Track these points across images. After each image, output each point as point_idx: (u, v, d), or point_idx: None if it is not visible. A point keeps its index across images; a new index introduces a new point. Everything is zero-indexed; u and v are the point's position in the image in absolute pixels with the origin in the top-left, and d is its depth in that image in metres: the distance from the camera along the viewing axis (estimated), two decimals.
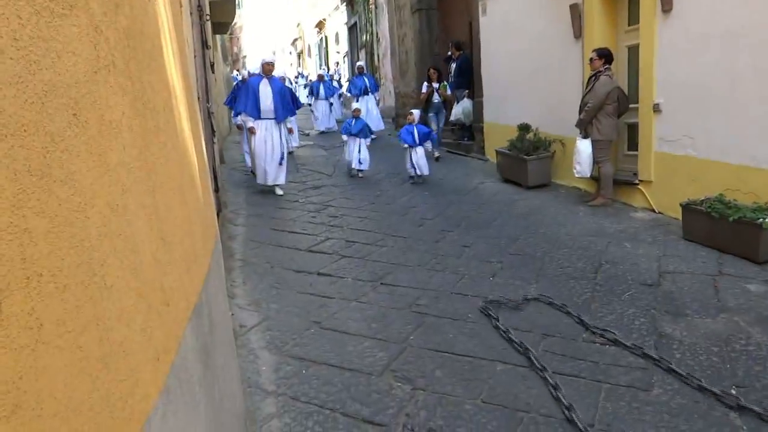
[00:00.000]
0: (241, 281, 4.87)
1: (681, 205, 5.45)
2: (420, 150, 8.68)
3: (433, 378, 3.28)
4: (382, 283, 4.74)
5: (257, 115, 7.71)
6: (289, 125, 8.23)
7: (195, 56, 4.37)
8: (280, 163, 7.93)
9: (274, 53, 23.18)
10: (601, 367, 3.34)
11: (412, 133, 8.71)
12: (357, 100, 12.62)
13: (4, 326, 0.56)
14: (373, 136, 9.72)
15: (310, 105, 16.25)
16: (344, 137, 9.51)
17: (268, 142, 7.76)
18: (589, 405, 2.98)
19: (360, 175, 9.29)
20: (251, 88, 7.77)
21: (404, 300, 4.38)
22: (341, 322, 4.04)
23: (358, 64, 15.15)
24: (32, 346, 0.59)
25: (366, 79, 13.97)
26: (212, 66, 7.84)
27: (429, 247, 5.65)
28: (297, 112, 8.91)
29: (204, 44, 5.98)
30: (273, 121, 7.78)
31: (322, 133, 15.01)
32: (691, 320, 3.88)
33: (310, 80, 26.93)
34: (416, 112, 9.17)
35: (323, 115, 15.46)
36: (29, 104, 0.63)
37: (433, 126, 10.46)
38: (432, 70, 10.73)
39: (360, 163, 9.19)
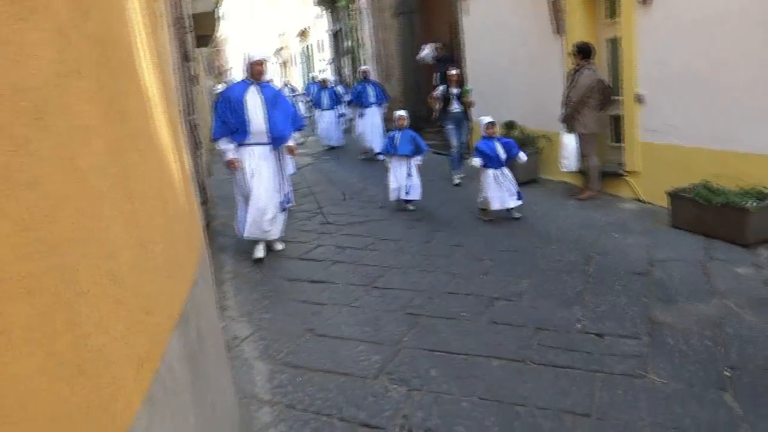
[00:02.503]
0: (232, 293, 4.85)
1: (667, 193, 5.49)
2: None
3: (429, 378, 3.27)
4: (374, 287, 4.73)
5: (243, 138, 5.33)
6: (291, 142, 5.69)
7: (176, 69, 4.36)
8: (283, 209, 5.70)
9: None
10: (596, 357, 3.34)
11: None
12: (361, 115, 11.09)
13: None
14: (424, 153, 7.21)
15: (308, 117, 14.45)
16: (385, 159, 7.28)
17: (261, 177, 5.35)
18: (585, 395, 2.98)
19: (410, 207, 7.09)
20: (233, 99, 5.30)
21: (397, 302, 4.37)
22: (334, 327, 4.03)
23: (362, 68, 12.16)
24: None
25: (370, 88, 11.34)
26: (195, 78, 7.60)
27: (420, 248, 5.65)
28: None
29: (185, 57, 5.96)
30: (268, 147, 5.42)
31: (332, 148, 12.93)
32: (683, 306, 3.90)
33: (299, 92, 26.76)
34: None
35: (330, 127, 13.03)
36: None
37: (453, 141, 8.43)
38: (453, 71, 8.55)
39: (407, 192, 6.96)
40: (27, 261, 0.66)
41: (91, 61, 0.96)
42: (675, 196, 5.40)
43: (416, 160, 6.97)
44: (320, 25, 23.00)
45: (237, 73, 28.82)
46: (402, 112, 7.32)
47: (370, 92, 11.16)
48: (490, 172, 6.21)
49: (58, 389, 0.68)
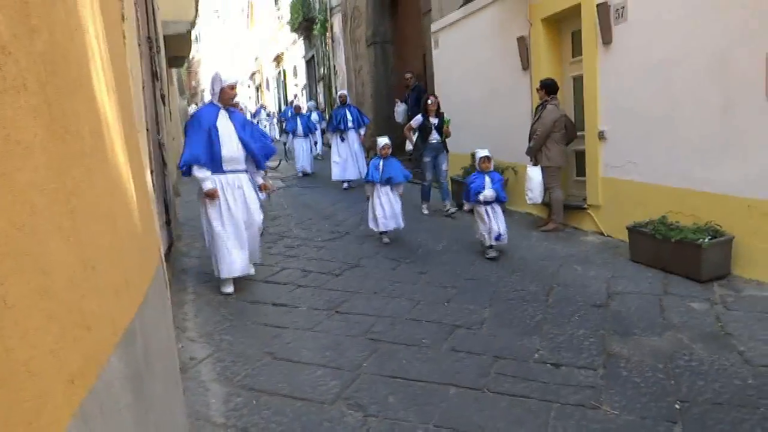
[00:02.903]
0: (192, 314, 4.78)
1: (627, 228, 5.63)
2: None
3: (386, 404, 3.27)
4: (337, 312, 4.72)
5: (217, 168, 4.98)
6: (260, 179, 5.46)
7: (144, 87, 4.36)
8: (261, 234, 5.59)
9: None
10: (552, 387, 3.38)
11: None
12: (341, 138, 10.75)
13: None
14: (403, 180, 6.92)
15: (285, 144, 14.33)
16: (368, 188, 6.96)
17: (235, 207, 5.05)
18: (539, 425, 3.00)
19: (385, 239, 6.87)
20: (204, 125, 4.94)
21: (359, 327, 4.37)
22: (295, 351, 4.00)
23: (341, 92, 11.75)
24: None
25: (348, 112, 10.99)
26: (163, 98, 7.53)
27: (385, 274, 5.66)
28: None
29: (154, 76, 5.95)
30: (242, 174, 5.15)
31: (300, 176, 12.81)
32: (638, 339, 3.98)
33: (272, 113, 26.74)
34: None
35: (304, 154, 12.91)
36: None
37: (428, 174, 8.24)
38: (432, 99, 8.29)
39: (394, 219, 6.74)
40: None
41: (36, 78, 0.97)
42: (634, 230, 5.54)
43: (399, 189, 6.83)
44: (295, 51, 23.20)
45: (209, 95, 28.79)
46: (386, 140, 7.03)
47: (349, 117, 10.89)
48: (483, 208, 6.07)
49: None
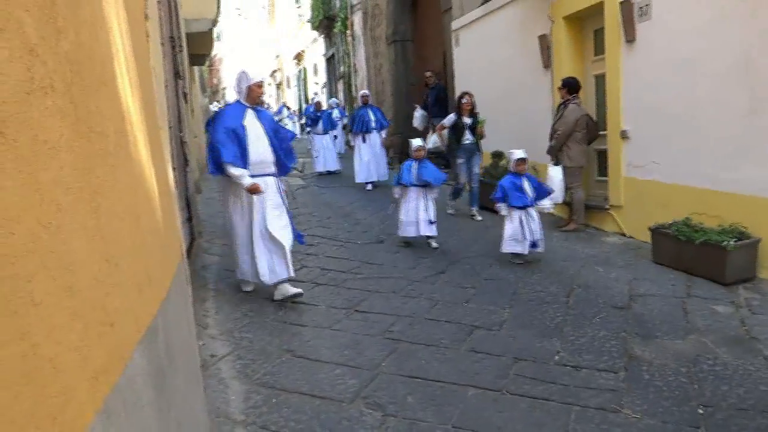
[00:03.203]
0: (213, 311, 4.82)
1: (650, 229, 5.55)
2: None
3: (405, 404, 3.27)
4: (356, 310, 4.73)
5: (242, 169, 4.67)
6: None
7: (166, 86, 4.40)
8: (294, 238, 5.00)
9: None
10: (572, 390, 3.35)
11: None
12: (363, 139, 10.43)
13: None
14: (439, 183, 6.55)
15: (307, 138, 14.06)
16: (397, 191, 6.58)
17: (274, 211, 4.78)
18: (559, 428, 2.98)
19: (434, 244, 6.51)
20: (231, 124, 4.62)
21: (378, 327, 4.37)
22: (314, 349, 4.02)
23: (362, 92, 11.36)
24: None
25: (371, 112, 10.66)
26: (185, 96, 7.62)
27: (404, 274, 5.66)
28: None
29: (177, 74, 6.01)
30: (270, 178, 4.80)
31: (321, 174, 12.61)
32: (661, 342, 3.92)
33: (294, 112, 26.88)
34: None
35: (325, 151, 12.60)
36: None
37: (462, 177, 7.92)
38: (466, 97, 7.79)
39: (430, 224, 6.38)
40: None
41: (62, 79, 0.99)
42: (657, 232, 5.47)
43: (434, 193, 6.46)
44: (316, 49, 23.28)
45: (231, 92, 28.97)
46: (420, 142, 6.70)
47: (372, 117, 10.55)
48: (516, 213, 5.69)
49: (0, 397, 0.70)
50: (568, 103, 6.66)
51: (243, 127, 4.63)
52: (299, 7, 25.39)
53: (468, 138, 7.75)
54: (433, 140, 11.16)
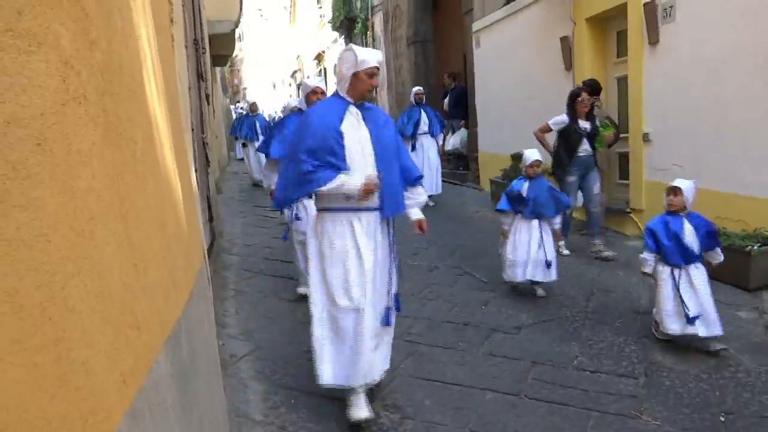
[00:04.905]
0: (233, 311, 4.88)
1: None
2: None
3: (423, 407, 3.28)
4: None
5: (334, 198, 3.13)
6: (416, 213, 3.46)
7: (189, 88, 4.46)
8: (387, 323, 3.32)
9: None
10: (591, 395, 3.33)
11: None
12: (413, 147, 8.43)
13: None
14: (557, 214, 5.02)
15: None
16: (506, 221, 5.03)
17: (368, 272, 3.11)
18: None
19: (540, 291, 4.98)
20: (318, 126, 3.12)
21: (396, 329, 4.37)
22: None
23: (415, 89, 9.11)
24: None
25: (425, 113, 8.73)
26: (208, 98, 7.70)
27: (422, 277, 5.66)
28: None
29: (200, 76, 6.08)
30: (376, 214, 3.17)
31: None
32: (682, 347, 3.88)
33: None
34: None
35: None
36: None
37: (571, 200, 5.74)
38: (584, 95, 5.87)
39: (547, 266, 4.82)
40: (17, 278, 0.70)
41: (95, 88, 1.01)
42: None
43: (555, 224, 5.00)
44: (336, 50, 23.33)
45: (252, 92, 29.15)
46: (536, 154, 5.00)
47: (425, 120, 8.66)
48: (668, 271, 3.94)
49: (37, 399, 0.72)
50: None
51: (340, 134, 3.10)
52: (320, 8, 25.50)
53: (585, 148, 5.90)
54: (452, 142, 11.12)
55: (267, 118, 12.82)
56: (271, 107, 25.54)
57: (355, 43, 19.31)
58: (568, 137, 5.95)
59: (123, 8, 1.31)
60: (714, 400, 3.22)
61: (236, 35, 12.80)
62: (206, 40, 8.39)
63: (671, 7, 5.69)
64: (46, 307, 0.76)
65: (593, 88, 6.58)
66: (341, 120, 3.13)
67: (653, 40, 5.93)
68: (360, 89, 3.17)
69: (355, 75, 3.13)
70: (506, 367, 3.71)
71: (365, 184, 3.04)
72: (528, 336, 4.19)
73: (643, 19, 6.00)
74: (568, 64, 7.48)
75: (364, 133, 3.18)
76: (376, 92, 3.22)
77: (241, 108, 15.17)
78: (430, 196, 8.16)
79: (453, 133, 11.23)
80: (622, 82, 6.78)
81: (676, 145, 5.82)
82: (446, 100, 11.38)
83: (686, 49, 5.57)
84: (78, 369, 0.83)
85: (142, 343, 1.15)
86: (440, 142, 9.12)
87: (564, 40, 7.46)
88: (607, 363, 3.72)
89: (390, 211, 3.21)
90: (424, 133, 8.69)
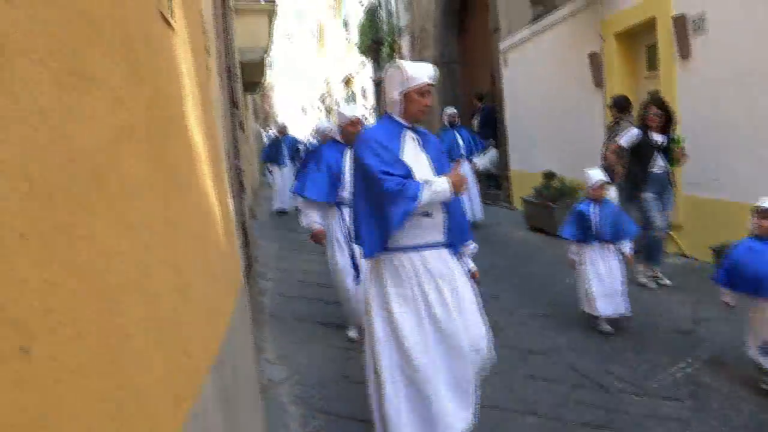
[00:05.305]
0: (270, 336, 4.91)
1: (712, 249, 5.35)
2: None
3: None
4: None
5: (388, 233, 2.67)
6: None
7: (224, 116, 4.56)
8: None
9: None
10: (635, 419, 3.25)
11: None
12: None
13: (33, 368, 0.63)
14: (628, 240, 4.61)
15: None
16: (573, 250, 4.70)
17: (438, 314, 2.73)
18: None
19: (606, 327, 4.52)
20: (378, 149, 2.72)
21: None
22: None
23: (449, 110, 8.82)
24: (54, 388, 0.65)
25: (459, 136, 8.45)
26: (241, 124, 7.86)
27: None
28: None
29: (233, 104, 6.23)
30: (444, 250, 2.86)
31: None
32: (729, 368, 3.77)
33: None
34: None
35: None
36: (56, 169, 0.71)
37: (656, 218, 5.43)
38: (655, 109, 5.42)
39: (602, 299, 4.49)
40: (81, 308, 0.73)
41: (143, 122, 1.06)
42: (720, 252, 5.26)
43: (627, 249, 4.56)
44: (364, 73, 23.62)
45: (282, 117, 29.57)
46: (600, 175, 4.59)
47: (460, 142, 8.33)
48: (763, 307, 3.46)
49: (100, 424, 0.75)
50: (620, 122, 6.54)
51: (400, 161, 2.74)
52: (348, 32, 25.88)
53: (660, 165, 5.43)
54: (483, 162, 11.06)
55: (298, 141, 12.79)
56: (301, 132, 25.90)
57: (383, 66, 19.32)
58: (642, 153, 5.49)
59: (166, 46, 1.36)
60: (766, 423, 3.11)
61: (267, 63, 13.05)
62: (237, 68, 8.59)
63: (702, 19, 5.63)
64: (107, 335, 0.78)
65: (621, 105, 6.53)
66: (400, 148, 2.78)
67: (684, 53, 5.86)
68: (412, 111, 2.81)
69: (406, 95, 2.78)
70: (547, 390, 3.65)
71: (452, 176, 2.70)
72: (567, 358, 4.11)
73: (673, 33, 5.94)
74: (598, 81, 7.44)
75: (423, 161, 2.85)
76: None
77: (273, 132, 15.35)
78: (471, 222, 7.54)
79: (484, 153, 11.21)
80: None
81: (713, 159, 5.71)
82: (475, 121, 11.40)
83: (718, 62, 5.49)
84: (135, 394, 0.85)
85: (191, 368, 1.17)
86: (478, 166, 8.79)
87: (593, 56, 7.43)
88: (650, 385, 3.62)
89: (459, 241, 2.94)
90: (460, 156, 8.14)
